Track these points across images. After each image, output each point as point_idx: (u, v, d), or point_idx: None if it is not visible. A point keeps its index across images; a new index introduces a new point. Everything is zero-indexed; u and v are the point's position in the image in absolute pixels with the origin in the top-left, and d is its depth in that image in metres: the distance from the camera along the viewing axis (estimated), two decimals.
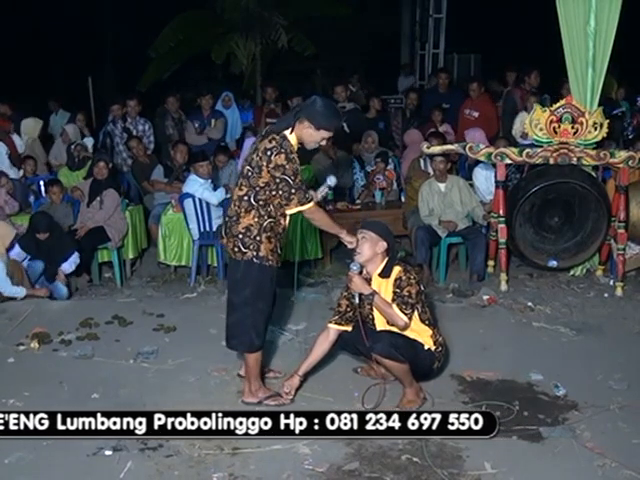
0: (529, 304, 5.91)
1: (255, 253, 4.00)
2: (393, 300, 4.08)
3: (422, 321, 4.15)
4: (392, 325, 4.11)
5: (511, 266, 6.71)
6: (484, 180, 7.18)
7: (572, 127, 6.14)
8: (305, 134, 3.97)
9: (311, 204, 4.02)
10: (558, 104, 6.19)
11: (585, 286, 6.46)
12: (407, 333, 4.12)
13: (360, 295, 4.12)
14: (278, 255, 4.11)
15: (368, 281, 4.17)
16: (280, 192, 3.93)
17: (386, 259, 4.17)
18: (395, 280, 4.10)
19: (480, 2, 13.55)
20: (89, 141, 8.83)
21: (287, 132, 3.96)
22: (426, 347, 4.16)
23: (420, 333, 4.15)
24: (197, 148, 8.27)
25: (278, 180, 3.90)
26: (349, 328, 4.26)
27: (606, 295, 6.23)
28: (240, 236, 4.01)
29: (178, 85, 11.49)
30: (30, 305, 5.89)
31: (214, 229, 6.90)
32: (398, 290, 4.08)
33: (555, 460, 3.64)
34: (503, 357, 4.88)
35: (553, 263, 6.42)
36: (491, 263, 6.81)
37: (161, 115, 9.33)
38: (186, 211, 6.90)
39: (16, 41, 15.03)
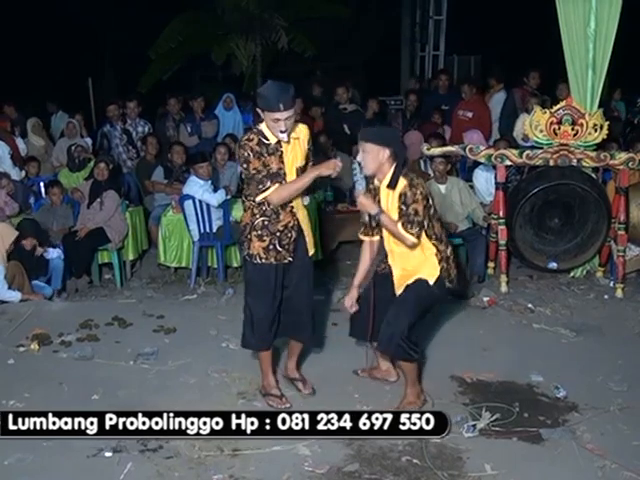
0: (529, 305, 5.91)
1: (247, 251, 4.12)
2: (399, 217, 3.94)
3: (428, 237, 4.01)
4: (396, 239, 4.01)
5: (511, 267, 6.70)
6: (484, 181, 7.18)
7: (572, 129, 6.14)
8: (265, 121, 3.95)
9: (268, 192, 3.95)
10: (558, 106, 6.19)
11: (585, 288, 6.45)
12: (411, 261, 4.04)
13: (369, 214, 4.05)
14: (278, 252, 4.07)
15: (377, 191, 4.07)
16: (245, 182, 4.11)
17: (393, 166, 3.98)
18: (400, 195, 3.94)
19: (480, 4, 13.54)
20: (87, 142, 8.86)
21: (260, 124, 4.02)
22: (431, 281, 4.03)
23: (426, 256, 4.03)
24: (192, 149, 8.26)
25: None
26: (377, 237, 4.22)
27: (606, 297, 6.22)
28: (241, 234, 4.19)
29: (178, 86, 11.48)
30: (30, 306, 5.89)
31: (214, 230, 6.90)
32: (404, 207, 3.92)
33: (555, 462, 3.64)
34: (503, 358, 4.88)
35: (553, 265, 6.42)
36: (491, 265, 6.81)
37: (162, 116, 9.34)
38: (186, 212, 6.89)
39: (16, 44, 15.02)
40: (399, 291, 4.11)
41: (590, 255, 6.53)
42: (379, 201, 4.05)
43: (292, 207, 4.06)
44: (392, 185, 3.97)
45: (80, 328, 5.44)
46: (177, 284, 7.01)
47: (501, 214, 6.31)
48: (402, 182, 3.95)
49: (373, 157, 3.98)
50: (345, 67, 13.03)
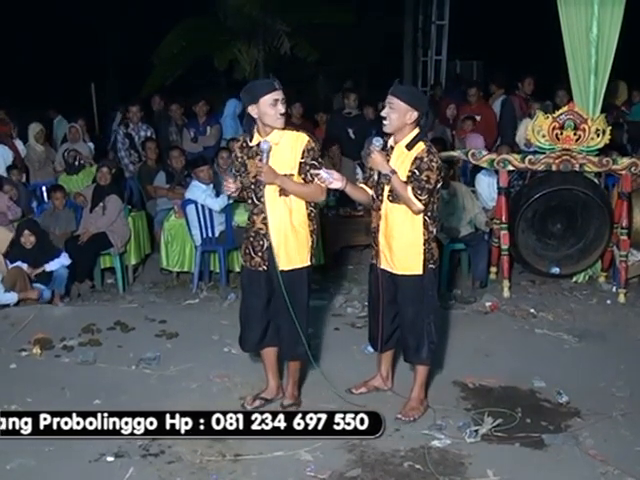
0: (532, 311, 5.91)
1: None
2: (409, 181, 3.85)
3: (425, 212, 3.93)
4: (401, 203, 3.92)
5: (513, 272, 6.69)
6: (487, 187, 7.18)
7: (574, 134, 6.14)
8: (260, 115, 3.85)
9: None
10: (560, 111, 6.19)
11: (588, 293, 6.45)
12: (400, 247, 3.98)
13: (379, 172, 3.96)
14: (252, 258, 4.05)
15: (390, 150, 3.99)
16: None
17: (416, 131, 3.91)
18: (415, 159, 3.85)
19: (483, 9, 13.57)
20: (89, 146, 8.91)
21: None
22: (419, 271, 3.99)
23: (415, 239, 3.97)
24: (193, 155, 8.28)
25: None
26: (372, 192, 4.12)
27: (609, 302, 6.22)
28: None
29: (181, 92, 11.51)
30: (32, 311, 5.89)
31: (216, 235, 6.91)
32: (417, 172, 3.83)
33: (558, 467, 3.63)
34: (505, 364, 4.87)
35: (555, 270, 6.41)
36: (493, 270, 6.80)
37: (164, 121, 9.36)
38: (188, 217, 6.90)
39: (19, 49, 15.09)
40: (387, 266, 4.08)
41: (592, 260, 6.52)
42: (388, 161, 3.97)
43: (265, 216, 3.96)
44: (411, 146, 3.90)
45: (82, 333, 5.43)
46: (179, 289, 7.01)
47: (503, 219, 6.31)
48: (421, 146, 3.88)
49: (399, 116, 3.87)
50: (348, 72, 13.03)
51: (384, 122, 3.95)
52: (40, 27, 15.00)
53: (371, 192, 4.14)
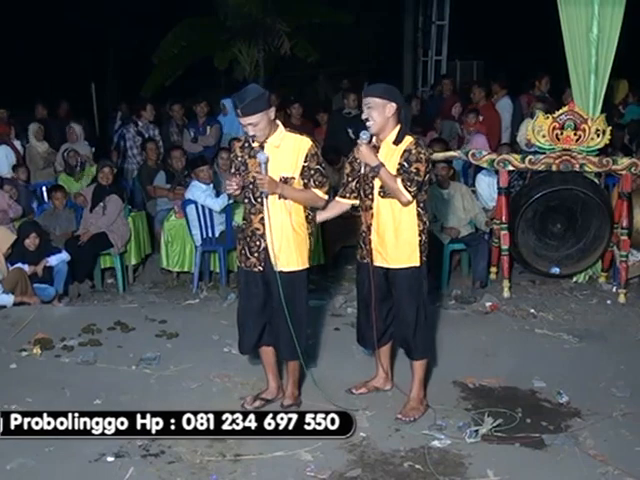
0: (532, 311, 5.91)
1: None
2: (398, 173, 3.87)
3: (417, 203, 3.97)
4: (393, 197, 3.94)
5: (514, 273, 6.69)
6: (487, 187, 7.18)
7: (575, 134, 6.14)
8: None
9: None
10: (560, 111, 6.19)
11: (588, 293, 6.45)
12: (396, 241, 4.00)
13: (367, 166, 3.96)
14: (248, 259, 4.04)
15: (377, 149, 3.99)
16: None
17: (399, 126, 3.95)
18: (404, 152, 3.90)
19: (483, 9, 13.56)
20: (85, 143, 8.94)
21: None
22: (416, 264, 4.02)
23: (411, 231, 4.00)
24: (193, 155, 8.29)
25: None
26: (354, 202, 4.20)
27: (609, 302, 6.22)
28: None
29: (181, 92, 11.52)
30: (33, 311, 5.89)
31: (217, 235, 6.91)
32: (406, 164, 3.87)
33: (558, 468, 3.63)
34: (506, 364, 4.87)
35: (555, 270, 6.42)
36: (494, 270, 6.80)
37: (165, 121, 9.37)
38: (189, 217, 6.90)
39: (21, 50, 15.08)
40: (383, 263, 4.09)
41: (593, 260, 6.52)
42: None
43: (262, 216, 3.96)
44: (398, 141, 3.93)
45: (82, 333, 5.43)
46: (179, 289, 7.02)
47: (504, 219, 6.31)
48: (408, 139, 3.93)
49: (379, 112, 3.90)
50: (348, 72, 13.05)
51: (368, 124, 3.96)
52: (40, 27, 14.99)
53: (346, 201, 4.25)
